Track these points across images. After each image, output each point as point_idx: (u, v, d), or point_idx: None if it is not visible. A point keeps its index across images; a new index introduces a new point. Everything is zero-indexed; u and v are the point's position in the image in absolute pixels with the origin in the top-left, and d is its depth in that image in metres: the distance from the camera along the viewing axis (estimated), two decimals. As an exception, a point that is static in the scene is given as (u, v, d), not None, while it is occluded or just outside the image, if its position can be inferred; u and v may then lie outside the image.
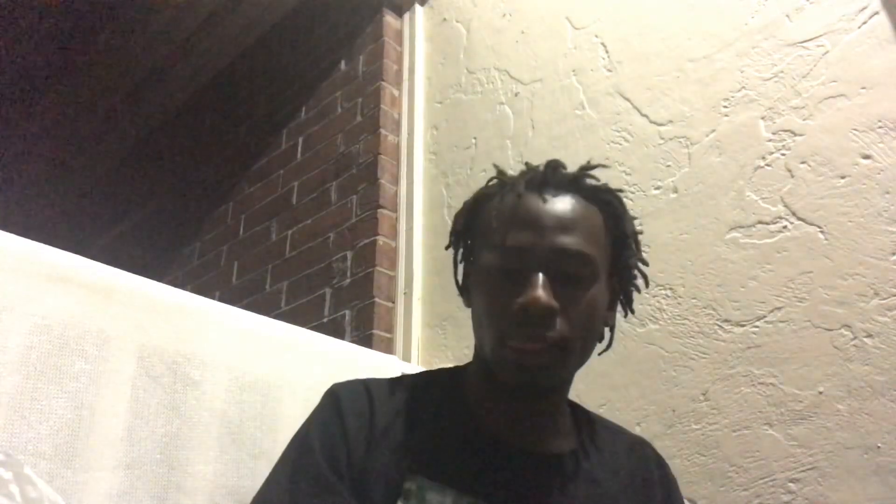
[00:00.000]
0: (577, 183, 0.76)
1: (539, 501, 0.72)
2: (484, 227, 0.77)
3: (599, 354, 0.78)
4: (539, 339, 0.69)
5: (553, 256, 0.70)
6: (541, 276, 0.69)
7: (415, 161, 1.98)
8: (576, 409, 0.85)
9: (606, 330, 0.79)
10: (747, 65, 1.37)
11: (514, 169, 0.85)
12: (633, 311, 0.81)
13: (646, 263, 0.81)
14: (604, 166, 0.81)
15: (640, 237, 0.81)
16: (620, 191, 0.80)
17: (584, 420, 0.83)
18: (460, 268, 0.84)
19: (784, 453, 1.10)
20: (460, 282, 0.84)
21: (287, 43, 2.62)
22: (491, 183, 0.81)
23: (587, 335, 0.73)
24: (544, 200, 0.73)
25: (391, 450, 0.72)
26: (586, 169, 0.78)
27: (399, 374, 0.90)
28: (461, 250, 0.84)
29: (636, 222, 0.83)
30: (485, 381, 0.77)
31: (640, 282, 0.82)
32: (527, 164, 0.81)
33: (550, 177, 0.75)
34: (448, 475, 0.70)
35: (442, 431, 0.75)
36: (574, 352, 0.72)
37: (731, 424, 1.17)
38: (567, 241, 0.71)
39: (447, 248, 0.85)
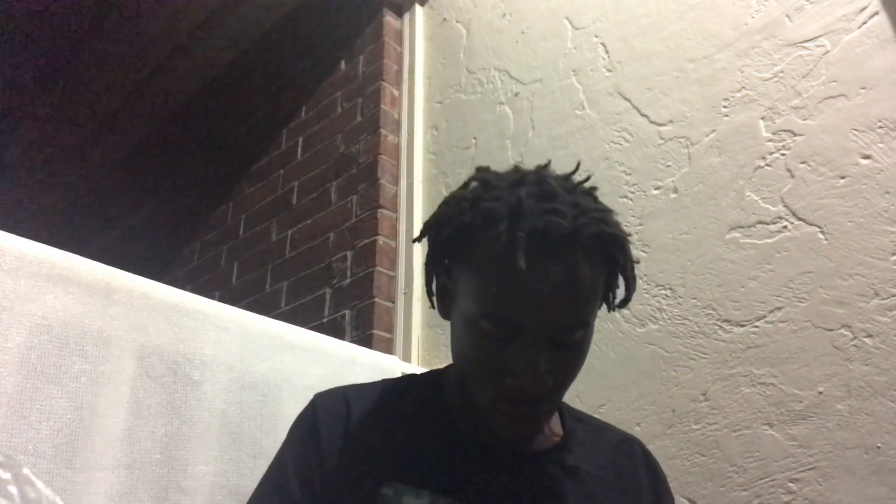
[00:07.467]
0: (578, 233, 0.65)
1: (518, 499, 0.72)
2: (469, 266, 0.69)
3: None
4: (531, 412, 0.69)
5: (550, 331, 0.65)
6: (536, 354, 0.65)
7: (415, 161, 1.98)
8: (562, 408, 0.84)
9: None
10: (747, 65, 1.37)
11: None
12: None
13: (635, 288, 0.75)
14: (615, 213, 0.72)
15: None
16: (626, 238, 0.71)
17: (571, 418, 0.83)
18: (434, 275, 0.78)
19: (784, 453, 1.10)
20: (434, 293, 0.78)
21: (287, 43, 2.62)
22: (474, 195, 0.70)
23: (574, 380, 0.72)
24: (543, 269, 0.63)
25: (368, 456, 0.72)
26: (586, 211, 0.67)
27: (398, 375, 0.90)
28: (437, 266, 0.76)
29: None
30: (466, 393, 0.75)
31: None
32: (513, 184, 0.69)
33: (551, 233, 0.64)
34: (425, 478, 0.70)
35: (419, 434, 0.75)
36: (560, 402, 0.74)
37: (731, 424, 1.17)
38: (568, 315, 0.65)
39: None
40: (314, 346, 1.15)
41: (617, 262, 0.70)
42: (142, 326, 0.93)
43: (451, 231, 0.71)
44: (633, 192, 1.46)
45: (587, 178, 0.75)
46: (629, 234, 0.76)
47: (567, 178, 0.73)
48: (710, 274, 1.29)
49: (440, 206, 0.75)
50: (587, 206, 0.68)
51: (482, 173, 0.74)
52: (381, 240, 1.87)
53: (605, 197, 0.75)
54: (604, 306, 0.77)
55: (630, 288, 0.73)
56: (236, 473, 0.96)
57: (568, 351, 0.68)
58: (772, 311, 1.19)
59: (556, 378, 0.68)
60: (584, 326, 0.68)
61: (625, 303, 0.75)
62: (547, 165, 0.74)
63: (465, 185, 0.75)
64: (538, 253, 0.64)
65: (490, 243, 0.65)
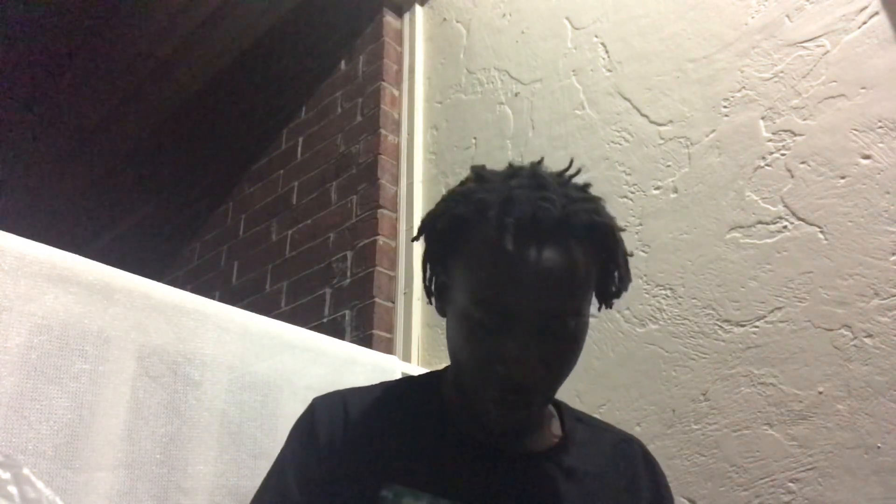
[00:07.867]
0: (568, 221, 0.66)
1: (518, 499, 0.72)
2: (462, 256, 0.69)
3: None
4: (523, 401, 0.69)
5: (541, 319, 0.66)
6: (528, 341, 0.65)
7: (415, 161, 1.98)
8: (562, 408, 0.84)
9: None
10: (747, 65, 1.37)
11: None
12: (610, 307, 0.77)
13: (629, 279, 0.75)
14: (605, 202, 0.73)
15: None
16: (619, 218, 0.71)
17: (570, 418, 0.83)
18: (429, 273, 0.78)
19: (784, 453, 1.10)
20: (433, 290, 0.78)
21: (287, 43, 2.62)
22: (468, 189, 0.72)
23: (569, 373, 0.72)
24: (532, 253, 0.64)
25: (367, 458, 0.72)
26: (576, 200, 0.68)
27: (398, 376, 0.90)
28: (434, 261, 0.76)
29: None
30: (461, 389, 0.75)
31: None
32: (507, 177, 0.71)
33: (541, 219, 0.64)
34: (425, 480, 0.70)
35: (418, 436, 0.75)
36: (554, 393, 0.74)
37: (731, 424, 1.17)
38: (558, 303, 0.66)
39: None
40: (314, 346, 1.15)
41: (609, 251, 0.70)
42: (142, 326, 0.93)
43: (445, 224, 0.72)
44: (633, 192, 1.46)
45: (578, 171, 0.75)
46: (623, 229, 0.76)
47: (560, 173, 0.74)
48: (710, 274, 1.29)
49: (437, 204, 0.76)
50: (578, 196, 0.69)
51: (477, 170, 0.75)
52: (381, 240, 1.87)
53: (605, 197, 0.75)
54: (603, 306, 0.77)
55: (623, 278, 0.73)
56: (236, 473, 0.96)
57: (560, 341, 0.68)
58: (772, 311, 1.19)
59: (549, 368, 0.68)
60: (575, 315, 0.68)
61: (618, 294, 0.74)
62: (540, 162, 0.74)
63: (462, 182, 0.76)
64: (528, 238, 0.64)
65: (481, 231, 0.67)
